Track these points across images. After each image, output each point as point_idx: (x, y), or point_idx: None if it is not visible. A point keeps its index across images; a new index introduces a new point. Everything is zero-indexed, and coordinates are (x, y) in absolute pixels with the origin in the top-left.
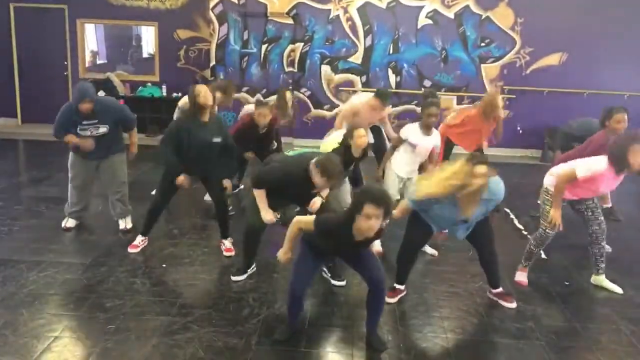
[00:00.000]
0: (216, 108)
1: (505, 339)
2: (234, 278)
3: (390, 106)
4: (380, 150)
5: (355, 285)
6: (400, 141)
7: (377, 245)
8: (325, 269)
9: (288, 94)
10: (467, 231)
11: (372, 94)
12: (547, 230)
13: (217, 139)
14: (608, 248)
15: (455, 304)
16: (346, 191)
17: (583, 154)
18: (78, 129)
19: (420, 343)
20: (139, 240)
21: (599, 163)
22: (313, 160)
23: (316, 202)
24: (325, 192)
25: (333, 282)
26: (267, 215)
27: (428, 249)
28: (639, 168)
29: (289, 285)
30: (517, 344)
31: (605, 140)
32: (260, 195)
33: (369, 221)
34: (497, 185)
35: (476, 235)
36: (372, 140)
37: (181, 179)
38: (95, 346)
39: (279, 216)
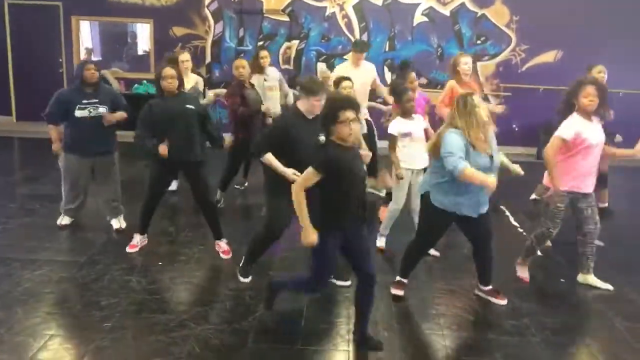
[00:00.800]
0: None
1: (501, 335)
2: (241, 279)
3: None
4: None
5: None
6: (394, 140)
7: (380, 242)
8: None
9: (263, 52)
10: (485, 204)
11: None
12: (550, 230)
13: (191, 106)
14: (600, 243)
15: (451, 301)
16: None
17: None
18: (77, 108)
19: (417, 340)
20: (137, 240)
21: (570, 118)
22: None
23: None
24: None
25: (338, 283)
26: (290, 174)
27: (431, 250)
28: (587, 107)
29: (315, 283)
30: (513, 340)
31: None
32: (271, 159)
33: (349, 125)
34: None
35: (476, 232)
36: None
37: (162, 147)
38: (91, 344)
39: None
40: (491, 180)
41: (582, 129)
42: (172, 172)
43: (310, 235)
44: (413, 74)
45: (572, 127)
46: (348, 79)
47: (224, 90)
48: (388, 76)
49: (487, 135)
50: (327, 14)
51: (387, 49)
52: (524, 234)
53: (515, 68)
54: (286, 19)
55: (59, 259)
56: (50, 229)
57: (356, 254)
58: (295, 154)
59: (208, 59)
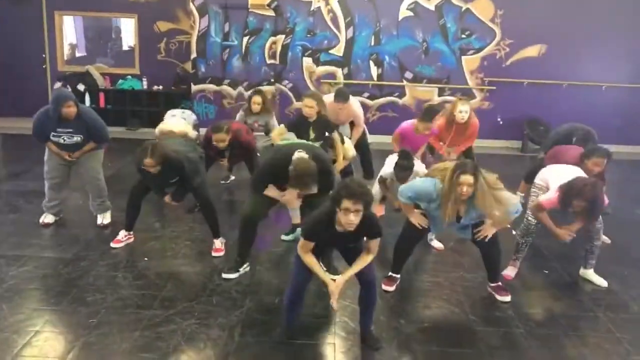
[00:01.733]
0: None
1: (486, 327)
2: (225, 275)
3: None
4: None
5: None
6: (385, 185)
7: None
8: (321, 264)
9: (256, 98)
10: (464, 232)
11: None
12: (529, 219)
13: (174, 180)
14: (607, 240)
15: (437, 293)
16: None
17: (559, 161)
18: (51, 135)
19: (402, 332)
20: (122, 235)
21: (554, 197)
22: (295, 156)
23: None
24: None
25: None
26: (286, 196)
27: (435, 242)
28: (575, 212)
29: (293, 279)
30: (498, 331)
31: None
32: (270, 191)
33: (348, 215)
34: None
35: (480, 241)
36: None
37: (167, 199)
38: (77, 340)
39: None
40: (415, 221)
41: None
42: None
43: (333, 287)
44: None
45: (547, 198)
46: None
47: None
48: (374, 70)
49: (460, 209)
50: (312, 8)
51: (372, 44)
52: (508, 226)
53: (499, 62)
54: (271, 13)
55: (45, 255)
56: (35, 225)
57: (351, 261)
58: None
59: (193, 54)
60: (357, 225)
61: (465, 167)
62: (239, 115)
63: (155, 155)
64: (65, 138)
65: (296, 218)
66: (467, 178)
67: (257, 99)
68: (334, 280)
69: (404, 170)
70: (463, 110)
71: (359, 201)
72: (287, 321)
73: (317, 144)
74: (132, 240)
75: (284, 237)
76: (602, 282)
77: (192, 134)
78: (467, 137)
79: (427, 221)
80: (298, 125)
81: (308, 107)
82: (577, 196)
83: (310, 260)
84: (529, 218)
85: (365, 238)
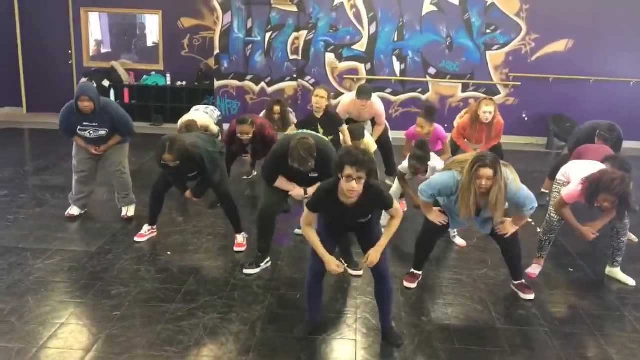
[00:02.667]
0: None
1: (509, 325)
2: (246, 271)
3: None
4: (385, 147)
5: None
6: (402, 174)
7: None
8: (341, 259)
9: (276, 107)
10: (485, 226)
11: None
12: (551, 216)
13: (192, 174)
14: (635, 238)
15: (459, 290)
16: None
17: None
18: (78, 129)
19: (424, 330)
20: (146, 230)
21: (577, 189)
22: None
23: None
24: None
25: (350, 271)
26: (296, 190)
27: (458, 239)
28: (604, 209)
29: (310, 268)
30: (521, 330)
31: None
32: (281, 183)
33: (350, 182)
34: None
35: (500, 238)
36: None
37: (187, 194)
38: (101, 333)
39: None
40: (433, 218)
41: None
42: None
43: (331, 265)
44: (421, 119)
45: (574, 196)
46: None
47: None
48: (397, 66)
49: (480, 204)
50: (335, 3)
51: (395, 39)
52: (533, 223)
53: (525, 57)
54: (294, 9)
55: (70, 249)
56: (61, 219)
57: (364, 249)
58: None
59: (216, 50)
60: (363, 195)
61: (485, 159)
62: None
63: (173, 150)
64: (91, 132)
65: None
66: (487, 171)
67: (277, 108)
68: (340, 265)
69: (419, 160)
70: (487, 111)
71: (361, 168)
72: (309, 314)
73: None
74: (155, 234)
75: (297, 231)
76: (630, 281)
77: (214, 128)
78: (492, 136)
79: (446, 218)
80: (307, 123)
81: (319, 97)
82: (604, 190)
83: (311, 234)
84: (552, 215)
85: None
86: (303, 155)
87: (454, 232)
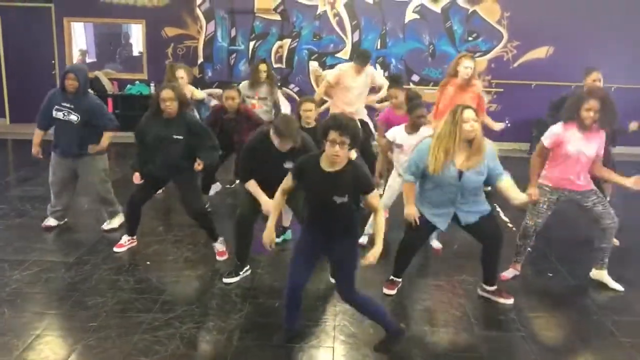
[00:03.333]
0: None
1: (486, 330)
2: (225, 280)
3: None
4: (365, 149)
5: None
6: (388, 144)
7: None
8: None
9: (262, 66)
10: (470, 213)
11: None
12: (527, 222)
13: (179, 136)
14: (616, 242)
15: (438, 296)
16: None
17: None
18: (55, 108)
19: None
20: (125, 240)
21: (555, 126)
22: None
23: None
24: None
25: (333, 280)
26: (266, 204)
27: (435, 242)
28: (588, 122)
29: (288, 279)
30: (498, 335)
31: None
32: (252, 186)
33: (334, 146)
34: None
35: (484, 236)
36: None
37: (135, 176)
38: (77, 344)
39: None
40: (409, 212)
41: (566, 137)
42: (155, 187)
43: (268, 235)
44: (391, 90)
45: (551, 132)
46: (312, 101)
47: (217, 91)
48: (381, 73)
49: (467, 152)
50: (318, 12)
51: (378, 47)
52: (514, 229)
53: (507, 64)
54: (278, 18)
55: (48, 260)
56: (40, 230)
57: (335, 276)
58: (260, 175)
59: (200, 59)
60: (346, 168)
61: (466, 105)
62: (241, 86)
63: (175, 90)
64: (64, 113)
65: (287, 220)
66: (471, 113)
67: (263, 66)
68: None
69: (420, 106)
70: (468, 66)
71: (345, 133)
72: (287, 322)
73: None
74: (135, 244)
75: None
76: (618, 287)
77: (199, 94)
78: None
79: (418, 213)
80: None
81: (307, 111)
82: (586, 97)
83: (277, 201)
84: (527, 221)
85: (362, 196)
86: (288, 128)
87: (432, 235)
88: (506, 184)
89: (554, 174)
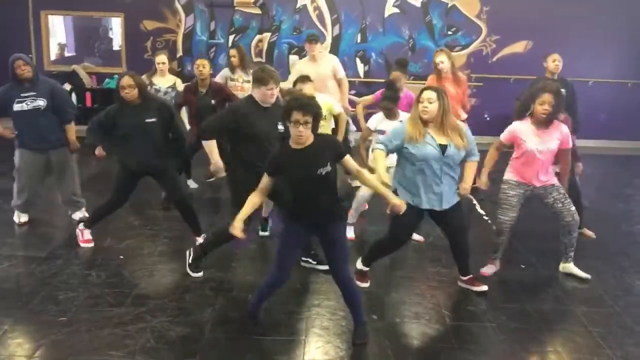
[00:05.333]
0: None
1: (457, 321)
2: (193, 274)
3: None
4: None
5: (309, 273)
6: (369, 132)
7: (349, 232)
8: (309, 258)
9: (232, 51)
10: (450, 197)
11: None
12: (500, 217)
13: (151, 119)
14: (591, 234)
15: (411, 288)
16: None
17: None
18: (15, 102)
19: (373, 327)
20: (88, 233)
21: (513, 123)
22: None
23: None
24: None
25: (320, 267)
26: (218, 163)
27: (415, 235)
28: (543, 115)
29: (276, 272)
30: (470, 326)
31: None
32: (211, 146)
33: (298, 127)
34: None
35: (452, 227)
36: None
37: (97, 150)
38: (44, 338)
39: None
40: (377, 177)
41: (522, 134)
42: (135, 179)
43: (235, 227)
44: (397, 73)
45: (508, 129)
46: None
47: None
48: (360, 68)
49: (442, 131)
50: (298, 6)
51: (358, 41)
52: (489, 221)
53: (486, 58)
54: (257, 11)
55: (19, 254)
56: (11, 224)
57: (328, 256)
58: (252, 140)
59: (179, 53)
60: (317, 143)
61: (430, 87)
62: (223, 72)
63: (134, 78)
64: (28, 102)
65: (266, 212)
66: (429, 93)
67: (232, 51)
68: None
69: (390, 99)
70: (440, 61)
71: (308, 112)
72: (256, 313)
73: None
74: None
75: (261, 233)
76: (584, 275)
77: (180, 84)
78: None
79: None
80: None
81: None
82: (539, 91)
83: (250, 199)
84: (500, 216)
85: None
86: (265, 70)
87: None
88: (469, 167)
89: (518, 169)
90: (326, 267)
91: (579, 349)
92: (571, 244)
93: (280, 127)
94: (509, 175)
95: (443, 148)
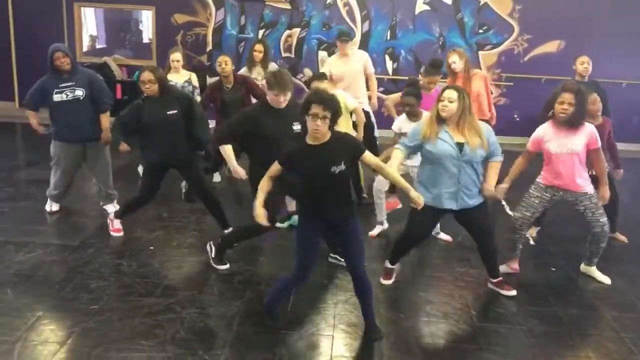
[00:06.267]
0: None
1: (486, 322)
2: (219, 267)
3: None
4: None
5: (336, 269)
6: (396, 136)
7: (374, 230)
8: (337, 255)
9: (258, 46)
10: (470, 198)
11: None
12: (515, 215)
13: (173, 111)
14: (624, 239)
15: (439, 288)
16: None
17: None
18: (54, 92)
19: (401, 326)
20: (119, 223)
21: (538, 128)
22: None
23: None
24: None
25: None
26: (239, 171)
27: (442, 235)
28: (562, 114)
29: (297, 270)
30: (498, 328)
31: None
32: (227, 151)
33: (316, 121)
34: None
35: (476, 228)
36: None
37: (122, 146)
38: (77, 326)
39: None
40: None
41: (544, 137)
42: (161, 174)
43: (257, 210)
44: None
45: (533, 135)
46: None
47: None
48: (389, 65)
49: (461, 130)
50: (328, 1)
51: (388, 38)
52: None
53: (517, 58)
54: (287, 6)
55: (52, 242)
56: (43, 213)
57: (343, 252)
58: (265, 142)
59: (209, 47)
60: (333, 140)
61: (451, 86)
62: (242, 71)
63: (155, 72)
64: (67, 92)
65: (292, 206)
66: (450, 92)
67: (259, 46)
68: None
69: (412, 95)
70: (451, 62)
71: (327, 108)
72: (273, 304)
73: None
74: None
75: (279, 224)
76: (606, 279)
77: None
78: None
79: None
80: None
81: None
82: (559, 92)
83: (263, 183)
84: (515, 212)
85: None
86: (277, 75)
87: (438, 229)
88: (493, 167)
89: (546, 172)
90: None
91: (611, 355)
92: (597, 252)
93: (296, 126)
94: (539, 177)
95: (460, 146)
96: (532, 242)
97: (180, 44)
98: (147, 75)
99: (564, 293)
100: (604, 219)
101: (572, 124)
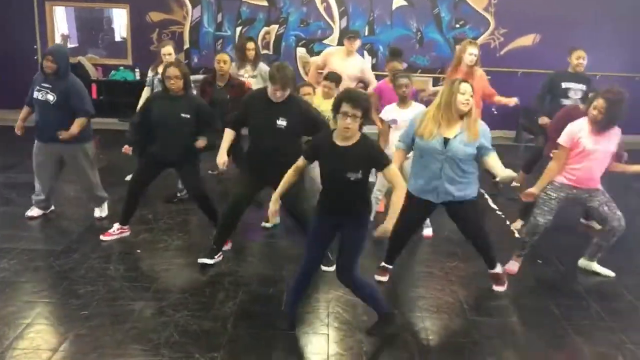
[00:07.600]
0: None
1: (479, 316)
2: (201, 260)
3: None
4: None
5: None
6: (384, 124)
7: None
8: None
9: (250, 44)
10: (453, 190)
11: None
12: (537, 219)
13: (186, 115)
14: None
15: (430, 283)
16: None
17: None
18: (35, 89)
19: (396, 322)
20: (115, 228)
21: (568, 125)
22: None
23: None
24: None
25: (323, 268)
26: (221, 157)
27: (425, 230)
28: (592, 119)
29: (304, 264)
30: (491, 321)
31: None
32: (227, 135)
33: (346, 119)
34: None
35: (458, 220)
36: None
37: (125, 148)
38: (68, 332)
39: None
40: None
41: (579, 132)
42: (157, 170)
43: (272, 204)
44: (394, 63)
45: (566, 131)
46: (309, 85)
47: (198, 77)
48: (368, 60)
49: (459, 127)
50: None
51: (366, 34)
52: (503, 216)
53: (494, 52)
54: (265, 3)
55: (36, 248)
56: (24, 218)
57: (340, 247)
58: (250, 132)
59: (186, 45)
60: (358, 142)
61: (465, 80)
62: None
63: (181, 67)
64: (42, 93)
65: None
66: (468, 87)
67: (251, 44)
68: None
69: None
70: (473, 53)
71: (358, 107)
72: (290, 307)
73: None
74: (127, 234)
75: (264, 224)
76: (609, 272)
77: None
78: (481, 89)
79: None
80: None
81: (305, 95)
82: (595, 96)
83: (287, 177)
84: (537, 217)
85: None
86: (280, 70)
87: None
88: (493, 158)
89: (570, 168)
90: (329, 269)
91: (602, 344)
92: (608, 247)
93: (281, 122)
94: (557, 177)
95: (446, 141)
96: (517, 235)
97: (156, 42)
98: (173, 71)
99: (552, 284)
100: (620, 213)
101: (602, 128)
